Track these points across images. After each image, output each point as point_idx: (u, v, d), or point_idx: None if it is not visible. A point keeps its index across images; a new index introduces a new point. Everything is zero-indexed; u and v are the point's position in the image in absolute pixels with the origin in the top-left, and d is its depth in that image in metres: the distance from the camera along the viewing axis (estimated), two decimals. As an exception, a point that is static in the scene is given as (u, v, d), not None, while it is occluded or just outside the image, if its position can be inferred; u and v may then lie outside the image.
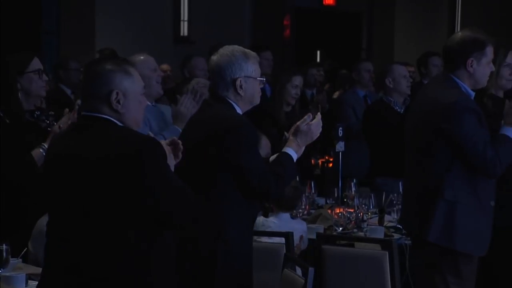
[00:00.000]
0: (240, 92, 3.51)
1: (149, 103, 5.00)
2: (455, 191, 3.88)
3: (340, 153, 5.69)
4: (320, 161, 7.59)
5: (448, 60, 4.02)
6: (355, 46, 13.54)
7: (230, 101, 3.52)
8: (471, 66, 3.92)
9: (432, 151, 3.91)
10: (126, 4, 10.06)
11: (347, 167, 6.00)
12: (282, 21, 12.10)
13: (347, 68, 9.25)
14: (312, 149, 6.85)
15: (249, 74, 3.53)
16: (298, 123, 3.60)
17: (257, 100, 3.61)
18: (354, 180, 5.46)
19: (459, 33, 4.03)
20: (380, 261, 4.14)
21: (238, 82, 3.51)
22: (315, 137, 3.61)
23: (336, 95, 8.67)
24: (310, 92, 8.68)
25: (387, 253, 4.12)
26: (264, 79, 3.65)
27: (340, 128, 5.70)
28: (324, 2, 12.98)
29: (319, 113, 3.65)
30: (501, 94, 4.40)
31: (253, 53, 3.59)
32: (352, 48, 13.31)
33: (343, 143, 5.69)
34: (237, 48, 3.57)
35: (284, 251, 4.24)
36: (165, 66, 8.45)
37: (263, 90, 7.03)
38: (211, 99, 3.58)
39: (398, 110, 6.03)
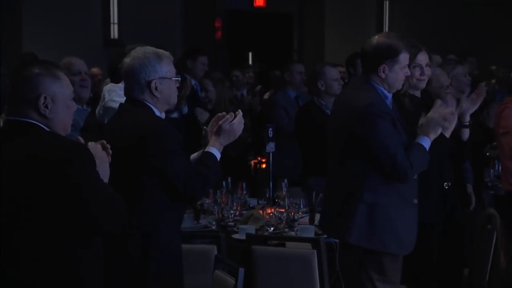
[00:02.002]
0: (156, 94, 3.47)
1: (79, 107, 4.98)
2: (375, 193, 3.94)
3: (271, 153, 5.73)
4: (252, 162, 7.64)
5: (364, 64, 4.09)
6: (287, 47, 13.66)
7: (148, 104, 3.49)
8: (383, 72, 3.97)
9: (349, 154, 3.97)
10: (54, 7, 9.94)
11: (281, 167, 6.05)
12: (213, 23, 12.13)
13: (279, 69, 9.34)
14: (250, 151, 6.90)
15: (164, 75, 3.49)
16: (220, 122, 3.60)
17: (174, 101, 3.58)
18: (285, 180, 5.52)
19: (375, 38, 4.06)
20: (309, 260, 4.20)
21: (153, 84, 3.47)
22: (237, 136, 3.62)
23: (266, 95, 8.74)
24: (239, 93, 8.74)
25: (315, 252, 4.19)
26: (179, 78, 3.62)
27: (270, 129, 5.73)
28: (254, 4, 13.06)
29: (240, 111, 3.67)
30: (417, 93, 4.52)
31: (166, 53, 3.54)
32: (283, 49, 13.43)
33: (274, 143, 5.73)
34: (149, 49, 3.51)
35: (215, 253, 4.27)
36: (95, 70, 8.40)
37: (196, 92, 7.12)
38: (128, 104, 3.53)
39: (329, 113, 6.10)
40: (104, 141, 3.09)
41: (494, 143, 7.16)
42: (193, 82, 7.43)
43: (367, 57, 4.02)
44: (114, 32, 10.80)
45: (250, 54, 13.18)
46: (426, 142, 3.98)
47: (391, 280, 4.01)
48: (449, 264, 4.51)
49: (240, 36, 12.77)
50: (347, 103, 4.02)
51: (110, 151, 3.07)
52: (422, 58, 4.40)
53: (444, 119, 3.98)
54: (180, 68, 7.84)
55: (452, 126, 4.06)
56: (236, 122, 3.59)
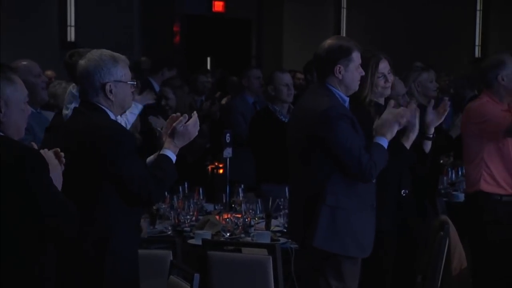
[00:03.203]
0: (110, 97, 3.46)
1: (33, 110, 4.93)
2: (337, 196, 3.98)
3: (228, 159, 5.74)
4: (209, 167, 7.64)
5: (318, 69, 4.14)
6: (245, 53, 13.69)
7: (103, 107, 3.47)
8: (339, 72, 4.04)
9: (311, 159, 4.01)
10: (9, 8, 9.82)
11: (238, 173, 6.07)
12: (171, 27, 12.10)
13: (237, 75, 9.35)
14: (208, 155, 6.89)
15: (119, 79, 3.47)
16: (174, 124, 3.58)
17: (129, 105, 3.58)
18: (242, 186, 5.54)
19: (326, 42, 4.12)
20: (264, 266, 4.21)
21: (107, 87, 3.45)
22: (192, 137, 3.60)
23: (224, 101, 8.74)
24: (200, 99, 8.72)
25: (271, 257, 4.21)
26: (135, 83, 3.61)
27: (228, 134, 5.75)
28: (213, 9, 13.06)
29: (195, 112, 3.67)
30: (381, 101, 4.56)
31: (122, 57, 3.53)
32: (242, 54, 13.45)
33: (231, 149, 5.75)
34: (105, 52, 3.50)
35: (171, 258, 4.26)
36: (49, 72, 8.32)
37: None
38: (83, 106, 3.51)
39: (283, 119, 6.13)
40: (58, 149, 3.06)
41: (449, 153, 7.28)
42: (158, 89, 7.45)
43: (321, 61, 4.08)
44: (71, 34, 10.73)
45: (209, 59, 13.19)
46: (384, 142, 4.07)
47: (349, 287, 4.04)
48: (402, 271, 4.55)
49: (198, 41, 12.76)
50: (307, 109, 4.06)
51: (64, 160, 3.04)
52: (384, 65, 4.45)
53: (397, 117, 4.07)
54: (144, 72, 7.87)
55: (414, 126, 4.18)
56: (191, 124, 3.58)
